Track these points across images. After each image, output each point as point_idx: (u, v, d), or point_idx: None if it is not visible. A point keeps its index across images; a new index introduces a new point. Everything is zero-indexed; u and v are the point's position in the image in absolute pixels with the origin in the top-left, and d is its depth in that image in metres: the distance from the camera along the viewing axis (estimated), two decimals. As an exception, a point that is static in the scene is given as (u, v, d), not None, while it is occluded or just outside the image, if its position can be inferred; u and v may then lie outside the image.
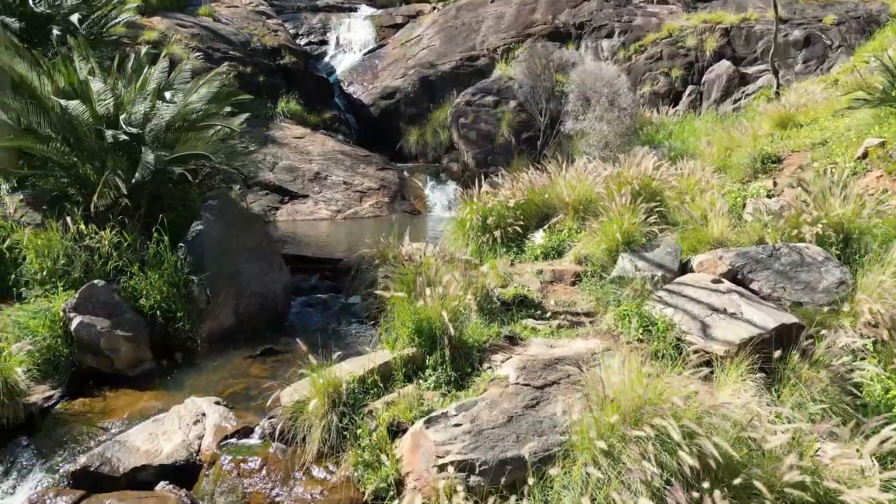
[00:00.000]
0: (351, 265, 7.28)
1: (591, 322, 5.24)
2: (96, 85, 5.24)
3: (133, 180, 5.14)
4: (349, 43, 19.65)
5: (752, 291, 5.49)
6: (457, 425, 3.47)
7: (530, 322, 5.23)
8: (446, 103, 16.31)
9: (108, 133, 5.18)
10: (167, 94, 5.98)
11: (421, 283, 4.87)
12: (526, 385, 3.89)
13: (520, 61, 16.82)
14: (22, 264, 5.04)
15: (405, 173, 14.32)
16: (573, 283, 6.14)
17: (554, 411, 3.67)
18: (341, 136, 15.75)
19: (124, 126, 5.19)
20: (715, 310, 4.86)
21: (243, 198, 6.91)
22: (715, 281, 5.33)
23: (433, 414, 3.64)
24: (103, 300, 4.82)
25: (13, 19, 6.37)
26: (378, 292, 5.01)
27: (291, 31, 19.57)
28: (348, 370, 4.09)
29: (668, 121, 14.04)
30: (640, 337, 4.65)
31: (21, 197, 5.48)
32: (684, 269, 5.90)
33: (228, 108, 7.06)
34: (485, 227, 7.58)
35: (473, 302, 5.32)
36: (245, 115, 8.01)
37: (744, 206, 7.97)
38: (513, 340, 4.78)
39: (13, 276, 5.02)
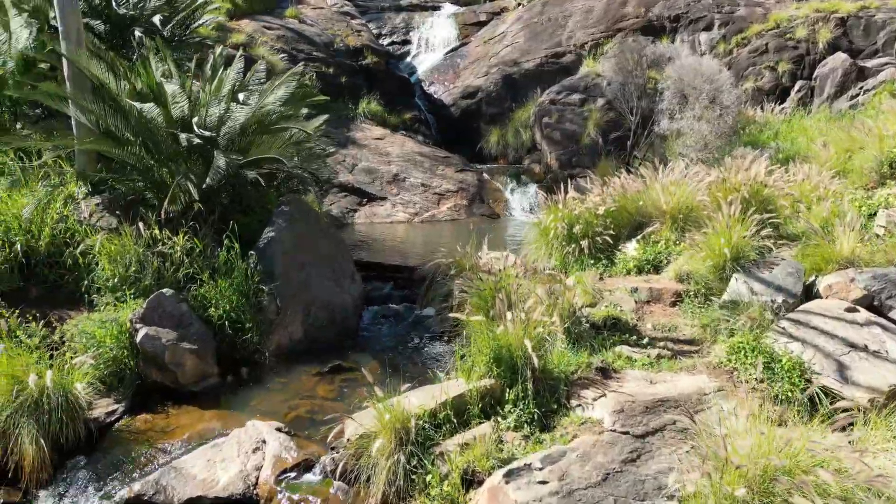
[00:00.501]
0: (426, 275, 6.87)
1: (696, 352, 4.56)
2: (170, 87, 5.10)
3: (204, 185, 4.96)
4: (431, 42, 19.39)
5: (893, 322, 4.63)
6: (542, 482, 2.96)
7: (625, 350, 4.61)
8: (529, 102, 15.69)
9: (182, 136, 5.01)
10: (241, 96, 5.78)
11: (501, 302, 4.38)
12: (624, 433, 3.32)
13: (609, 57, 15.93)
14: (94, 270, 4.95)
15: (484, 175, 13.85)
16: (673, 304, 5.45)
17: (658, 468, 3.08)
18: (421, 136, 15.46)
19: (198, 129, 5.01)
20: (853, 346, 4.08)
21: (319, 201, 6.62)
22: (849, 310, 4.52)
23: (514, 465, 3.14)
24: (170, 310, 4.64)
25: (98, 21, 6.40)
26: (453, 315, 4.55)
27: (375, 31, 19.53)
28: (418, 403, 3.66)
29: (773, 119, 12.82)
30: (761, 376, 3.95)
31: (98, 200, 5.43)
32: (808, 293, 5.09)
33: (306, 110, 6.83)
34: (571, 236, 6.98)
35: (559, 325, 4.77)
36: (323, 117, 7.80)
37: (870, 216, 6.96)
38: (605, 372, 4.20)
39: (86, 282, 4.94)
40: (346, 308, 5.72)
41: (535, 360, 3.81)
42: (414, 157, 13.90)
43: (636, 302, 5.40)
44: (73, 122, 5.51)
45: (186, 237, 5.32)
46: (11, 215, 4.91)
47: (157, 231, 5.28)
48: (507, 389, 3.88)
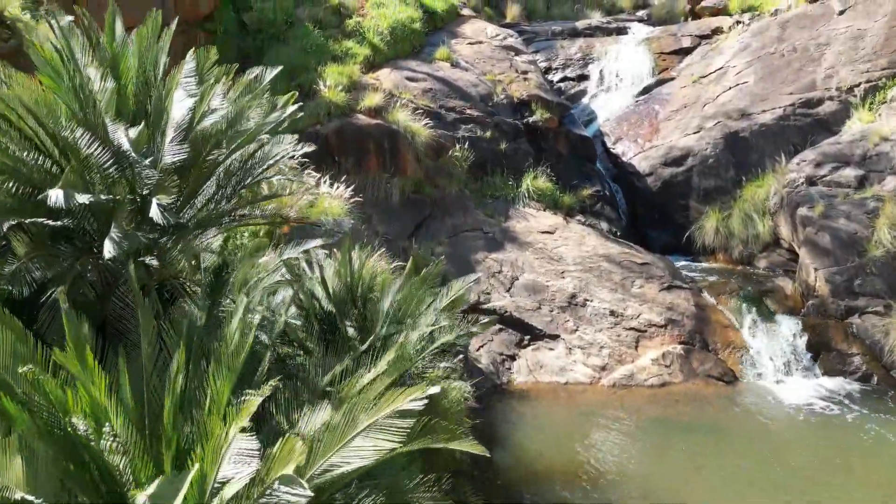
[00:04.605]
0: None
1: None
2: None
3: None
4: (616, 77, 15.12)
5: None
6: None
7: None
8: (766, 174, 10.98)
9: None
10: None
11: None
12: None
13: (898, 108, 10.71)
14: None
15: (705, 295, 9.43)
16: None
17: None
18: (604, 222, 11.37)
19: None
20: None
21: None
22: None
23: None
24: None
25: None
26: None
27: (543, 64, 15.72)
28: None
29: None
30: None
31: None
32: None
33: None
34: None
35: None
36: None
37: None
38: None
39: None
40: None
41: None
42: (597, 264, 9.88)
43: None
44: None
45: None
46: None
47: None
48: None
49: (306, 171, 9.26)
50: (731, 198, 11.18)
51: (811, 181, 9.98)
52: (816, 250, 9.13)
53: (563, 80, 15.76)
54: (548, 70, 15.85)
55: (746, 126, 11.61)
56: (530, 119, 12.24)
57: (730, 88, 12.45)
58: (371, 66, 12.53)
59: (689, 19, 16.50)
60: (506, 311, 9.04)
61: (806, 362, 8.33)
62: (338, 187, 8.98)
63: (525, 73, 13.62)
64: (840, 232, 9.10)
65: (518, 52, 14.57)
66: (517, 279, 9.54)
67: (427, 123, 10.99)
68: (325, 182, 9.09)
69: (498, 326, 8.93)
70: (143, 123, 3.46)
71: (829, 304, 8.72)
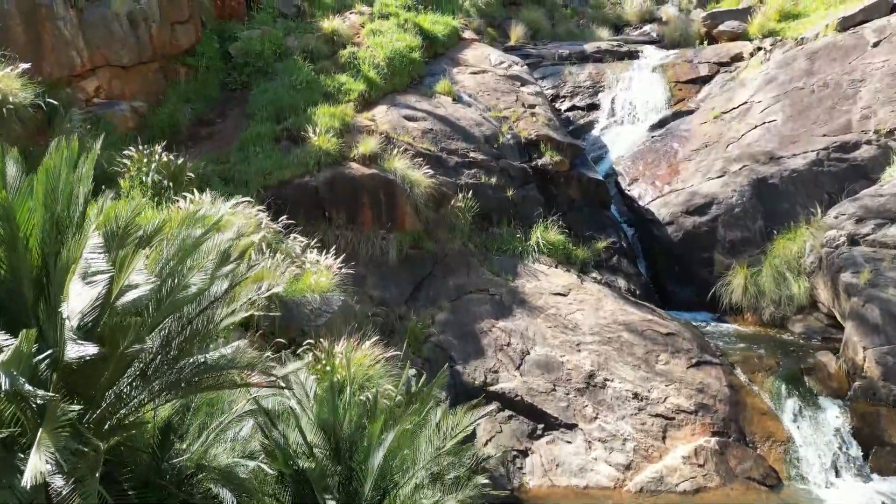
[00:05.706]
0: None
1: None
2: None
3: None
4: (629, 107, 14.16)
5: None
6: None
7: None
8: (799, 225, 10.00)
9: None
10: None
11: None
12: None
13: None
14: None
15: (738, 373, 8.44)
16: None
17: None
18: (622, 279, 10.39)
19: None
20: None
21: None
22: None
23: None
24: None
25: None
26: None
27: (550, 92, 14.77)
28: None
29: None
30: None
31: None
32: None
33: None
34: None
35: None
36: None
37: None
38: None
39: None
40: None
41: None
42: (617, 334, 8.89)
43: None
44: None
45: None
46: None
47: None
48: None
49: (292, 236, 8.30)
50: (759, 251, 10.19)
51: (853, 240, 8.99)
52: (864, 325, 8.14)
53: (571, 108, 14.80)
54: (555, 98, 14.88)
55: (776, 171, 10.62)
56: (539, 161, 11.25)
57: (755, 127, 11.47)
58: (366, 102, 11.55)
59: (706, 43, 15.52)
60: (516, 395, 8.06)
61: (856, 459, 7.34)
62: (327, 256, 7.99)
63: (532, 107, 12.63)
64: (891, 304, 8.11)
65: (524, 83, 13.59)
66: (528, 354, 8.55)
67: (427, 172, 9.99)
68: (311, 249, 8.11)
69: (508, 413, 7.96)
70: (26, 327, 2.48)
71: (880, 388, 7.73)
